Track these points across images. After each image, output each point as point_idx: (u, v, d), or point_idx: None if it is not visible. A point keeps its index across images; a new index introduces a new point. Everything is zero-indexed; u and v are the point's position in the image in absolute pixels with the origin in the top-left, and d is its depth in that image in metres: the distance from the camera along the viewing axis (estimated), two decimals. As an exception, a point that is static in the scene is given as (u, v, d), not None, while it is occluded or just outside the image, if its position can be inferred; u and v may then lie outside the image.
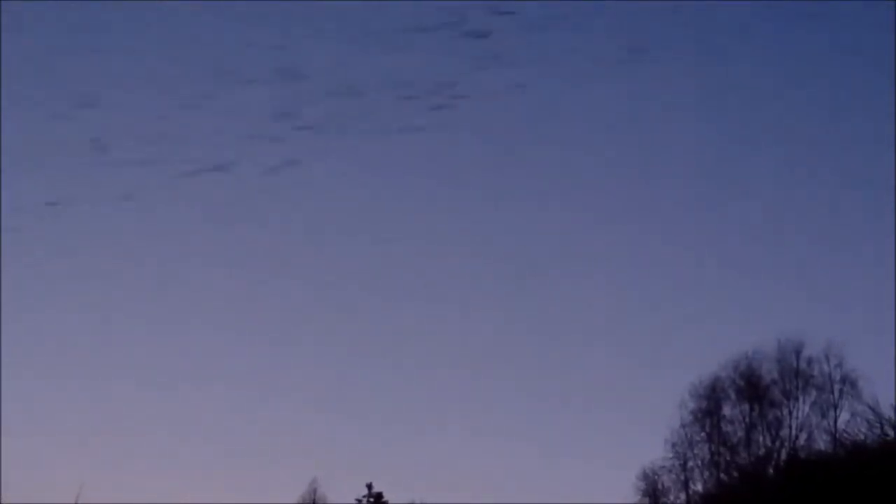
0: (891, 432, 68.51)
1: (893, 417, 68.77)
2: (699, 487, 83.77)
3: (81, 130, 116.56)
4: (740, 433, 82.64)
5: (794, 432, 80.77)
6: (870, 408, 72.71)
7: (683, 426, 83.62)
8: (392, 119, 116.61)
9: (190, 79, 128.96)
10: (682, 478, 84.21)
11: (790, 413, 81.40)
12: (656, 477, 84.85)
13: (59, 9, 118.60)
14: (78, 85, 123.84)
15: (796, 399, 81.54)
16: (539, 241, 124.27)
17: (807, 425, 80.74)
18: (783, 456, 79.88)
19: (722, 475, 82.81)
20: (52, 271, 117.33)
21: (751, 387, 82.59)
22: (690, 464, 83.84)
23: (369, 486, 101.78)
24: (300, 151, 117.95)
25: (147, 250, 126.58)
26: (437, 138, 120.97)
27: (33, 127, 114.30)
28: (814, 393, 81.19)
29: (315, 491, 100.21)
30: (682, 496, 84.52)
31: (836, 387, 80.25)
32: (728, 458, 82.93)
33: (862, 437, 72.26)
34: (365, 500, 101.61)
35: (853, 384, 79.40)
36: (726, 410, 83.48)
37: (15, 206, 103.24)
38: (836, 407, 79.95)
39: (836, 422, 79.44)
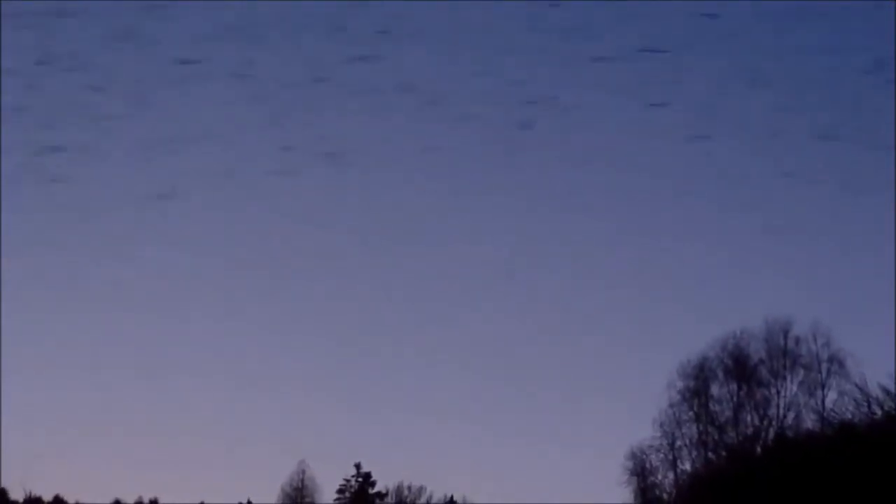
0: (878, 411, 68.53)
1: (881, 396, 68.81)
2: (687, 467, 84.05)
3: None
4: (728, 412, 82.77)
5: (781, 411, 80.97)
6: (857, 387, 72.68)
7: (671, 406, 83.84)
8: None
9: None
10: (671, 457, 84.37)
11: (778, 392, 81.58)
12: (644, 456, 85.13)
13: None
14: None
15: (784, 378, 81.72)
16: (527, 227, 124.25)
17: (794, 404, 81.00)
18: (771, 435, 79.98)
19: (710, 454, 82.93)
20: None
21: (739, 366, 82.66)
22: (678, 443, 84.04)
23: (357, 466, 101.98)
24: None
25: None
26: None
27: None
28: (801, 372, 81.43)
29: (304, 472, 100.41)
30: (670, 475, 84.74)
31: (824, 366, 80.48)
32: (716, 438, 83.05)
33: (849, 416, 72.30)
34: (353, 480, 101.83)
35: (841, 363, 79.64)
36: (714, 390, 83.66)
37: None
38: (823, 386, 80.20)
39: (823, 401, 79.76)
